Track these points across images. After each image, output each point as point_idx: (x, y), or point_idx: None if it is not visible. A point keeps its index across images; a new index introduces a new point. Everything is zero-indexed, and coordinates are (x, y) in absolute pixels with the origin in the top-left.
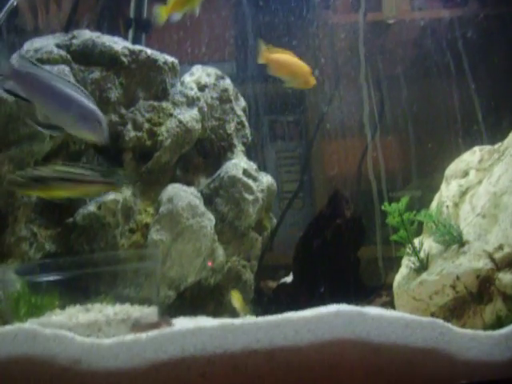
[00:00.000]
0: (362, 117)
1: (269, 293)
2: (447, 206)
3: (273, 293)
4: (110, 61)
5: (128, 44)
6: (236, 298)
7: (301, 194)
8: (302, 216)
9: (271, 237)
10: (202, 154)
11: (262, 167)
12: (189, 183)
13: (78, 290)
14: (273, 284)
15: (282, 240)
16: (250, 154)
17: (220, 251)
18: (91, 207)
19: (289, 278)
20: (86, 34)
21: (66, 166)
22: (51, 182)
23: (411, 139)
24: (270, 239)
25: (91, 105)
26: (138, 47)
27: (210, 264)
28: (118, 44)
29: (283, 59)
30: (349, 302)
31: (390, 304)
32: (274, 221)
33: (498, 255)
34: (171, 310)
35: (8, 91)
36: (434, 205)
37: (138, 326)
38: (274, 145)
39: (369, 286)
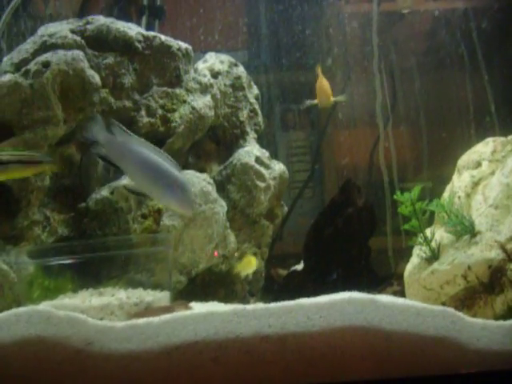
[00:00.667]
0: (375, 107)
1: (279, 280)
2: (459, 197)
3: (283, 280)
4: (124, 46)
5: (142, 30)
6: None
7: (311, 183)
8: (312, 205)
9: (281, 226)
10: (214, 141)
11: (274, 156)
12: (201, 170)
13: (90, 274)
14: (283, 272)
15: (291, 229)
16: (262, 142)
17: (231, 238)
18: (104, 192)
19: (299, 266)
20: (100, 20)
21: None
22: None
23: (423, 130)
24: (280, 228)
25: (178, 174)
26: (152, 33)
27: (215, 254)
28: (132, 30)
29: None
30: (359, 290)
31: (401, 293)
32: (286, 209)
33: (510, 246)
34: (182, 296)
35: (100, 156)
36: (445, 195)
37: (150, 309)
38: (286, 134)
39: (379, 275)
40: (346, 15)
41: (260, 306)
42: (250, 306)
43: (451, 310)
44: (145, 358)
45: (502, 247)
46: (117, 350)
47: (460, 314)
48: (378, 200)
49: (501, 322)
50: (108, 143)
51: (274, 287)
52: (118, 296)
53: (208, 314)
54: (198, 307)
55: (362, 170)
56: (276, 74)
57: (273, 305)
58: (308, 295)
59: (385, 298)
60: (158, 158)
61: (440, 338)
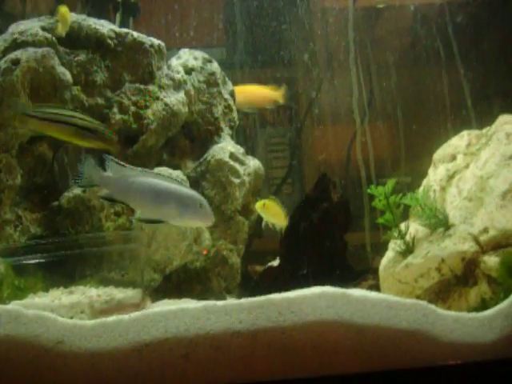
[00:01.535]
0: (352, 102)
1: (256, 277)
2: (434, 190)
3: (259, 276)
4: (96, 43)
5: (114, 27)
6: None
7: (290, 179)
8: (292, 201)
9: (260, 223)
10: (188, 138)
11: (252, 152)
12: (176, 167)
13: (62, 273)
14: (260, 268)
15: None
16: (239, 139)
17: (206, 235)
18: (77, 190)
19: (276, 262)
20: (72, 17)
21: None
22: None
23: (401, 125)
24: (259, 225)
25: (187, 190)
26: (124, 30)
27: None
28: (104, 27)
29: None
30: (335, 284)
31: (376, 287)
32: None
33: (483, 238)
34: (157, 293)
35: (105, 198)
36: (421, 189)
37: (119, 307)
38: (264, 131)
39: (356, 270)
40: (323, 10)
41: (231, 301)
42: (220, 302)
43: (424, 302)
44: (115, 356)
45: (475, 239)
46: (86, 348)
47: (432, 306)
48: (356, 195)
49: (473, 314)
50: (107, 184)
51: (250, 284)
52: (88, 294)
53: (178, 311)
54: (170, 304)
55: (341, 166)
56: (254, 70)
57: (243, 300)
58: (284, 291)
59: (357, 292)
60: (162, 181)
61: (412, 331)
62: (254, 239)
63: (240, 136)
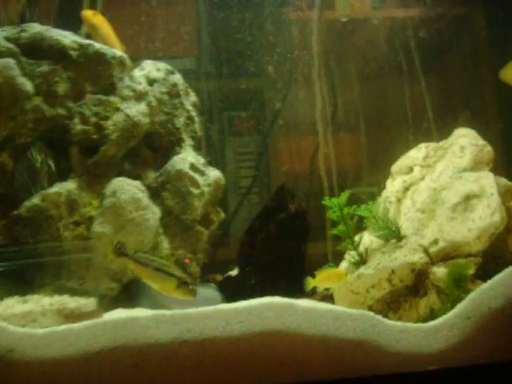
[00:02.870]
0: (315, 113)
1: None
2: (390, 202)
3: (218, 285)
4: (58, 54)
5: (77, 38)
6: None
7: (257, 189)
8: (258, 211)
9: (225, 232)
10: (150, 148)
11: (220, 163)
12: (137, 177)
13: (20, 281)
14: (220, 278)
15: (237, 235)
16: (208, 149)
17: (165, 244)
18: (35, 199)
19: (235, 272)
20: (35, 28)
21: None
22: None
23: (365, 136)
24: (225, 235)
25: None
26: (86, 41)
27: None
28: (67, 38)
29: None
30: (289, 294)
31: (331, 298)
32: (222, 214)
33: (432, 249)
34: (115, 302)
35: None
36: (379, 201)
37: (71, 315)
38: (232, 140)
39: None
40: (289, 23)
41: (179, 311)
42: (169, 312)
43: (370, 313)
44: (65, 364)
45: (425, 251)
46: (37, 356)
47: (379, 317)
48: (319, 206)
49: (419, 325)
50: None
51: None
52: (41, 303)
53: (128, 320)
54: (122, 314)
55: (306, 176)
56: (224, 80)
57: (191, 310)
58: (241, 300)
59: (304, 303)
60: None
61: (359, 341)
62: (218, 249)
63: (208, 145)
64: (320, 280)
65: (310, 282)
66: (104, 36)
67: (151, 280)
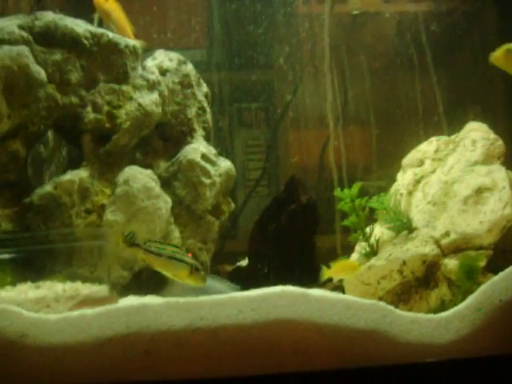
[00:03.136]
0: (326, 106)
1: (225, 276)
2: (401, 194)
3: (228, 276)
4: (71, 43)
5: (90, 27)
6: None
7: (266, 181)
8: (267, 203)
9: (234, 224)
10: (162, 138)
11: (229, 154)
12: (148, 166)
13: (32, 268)
14: (229, 268)
15: (246, 227)
16: (217, 140)
17: (176, 233)
18: (48, 187)
19: (245, 262)
20: (48, 16)
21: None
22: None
23: (376, 129)
24: (234, 226)
25: None
26: (100, 30)
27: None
28: (80, 27)
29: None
30: (300, 285)
31: (341, 288)
32: (233, 205)
33: (444, 241)
34: (126, 290)
35: None
36: (390, 193)
37: (87, 301)
38: (242, 132)
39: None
40: (301, 16)
41: (192, 299)
42: (182, 299)
43: (382, 303)
44: (77, 350)
45: (437, 243)
46: (50, 342)
47: (391, 307)
48: (329, 198)
49: (430, 316)
50: None
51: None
52: (54, 289)
53: (140, 307)
54: (133, 301)
55: (315, 169)
56: (234, 72)
57: (205, 298)
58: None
59: (316, 292)
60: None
61: (370, 331)
62: (227, 240)
63: (217, 137)
64: (335, 271)
65: (326, 273)
66: (116, 22)
67: (163, 268)
